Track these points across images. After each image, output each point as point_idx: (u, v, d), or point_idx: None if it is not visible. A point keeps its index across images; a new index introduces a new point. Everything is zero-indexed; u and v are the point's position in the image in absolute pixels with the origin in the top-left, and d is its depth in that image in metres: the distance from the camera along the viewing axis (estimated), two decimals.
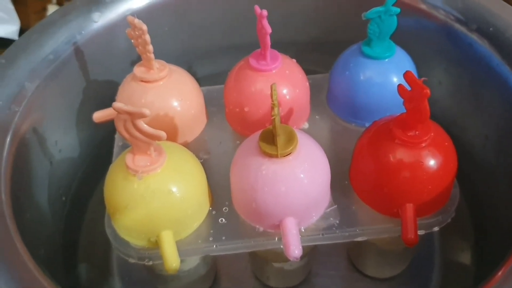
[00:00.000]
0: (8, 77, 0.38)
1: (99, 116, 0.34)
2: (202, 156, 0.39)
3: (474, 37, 0.40)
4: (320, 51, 0.49)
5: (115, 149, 0.39)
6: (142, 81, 0.37)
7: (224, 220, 0.34)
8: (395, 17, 0.36)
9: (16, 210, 0.33)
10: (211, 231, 0.34)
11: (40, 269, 0.30)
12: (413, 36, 0.43)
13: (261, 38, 0.36)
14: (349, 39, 0.40)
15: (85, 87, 0.43)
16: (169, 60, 0.39)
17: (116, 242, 0.33)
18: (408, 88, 0.30)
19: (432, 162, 0.32)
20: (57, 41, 0.41)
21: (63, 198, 0.43)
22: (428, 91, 0.28)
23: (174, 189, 0.32)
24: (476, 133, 0.42)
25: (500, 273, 0.29)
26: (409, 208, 0.32)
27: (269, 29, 0.35)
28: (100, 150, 0.45)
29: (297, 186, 0.31)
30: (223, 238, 0.33)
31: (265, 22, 0.35)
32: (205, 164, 0.36)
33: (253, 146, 0.33)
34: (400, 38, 0.38)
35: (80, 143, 0.45)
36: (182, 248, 0.33)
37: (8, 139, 0.35)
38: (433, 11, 0.42)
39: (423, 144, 0.32)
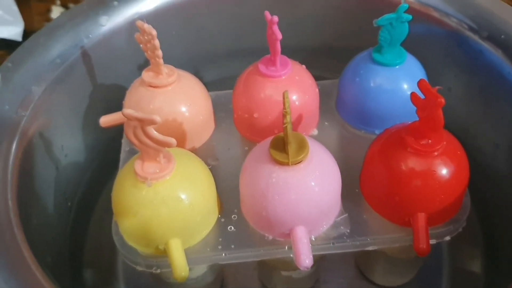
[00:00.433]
0: (15, 81, 0.38)
1: (106, 120, 0.34)
2: (210, 162, 0.39)
3: (485, 44, 0.40)
4: (330, 57, 0.49)
5: (122, 154, 0.39)
6: (150, 86, 0.37)
7: (233, 228, 0.34)
8: (406, 24, 0.36)
9: (23, 217, 0.32)
10: (220, 239, 0.33)
11: (47, 276, 0.30)
12: (423, 42, 0.43)
13: (271, 44, 0.36)
14: (359, 45, 0.40)
15: (92, 91, 0.43)
16: (176, 65, 0.38)
17: (123, 249, 0.33)
18: (421, 96, 0.30)
19: (444, 171, 0.31)
20: (64, 45, 0.41)
21: (69, 203, 0.42)
22: (443, 100, 0.28)
23: (183, 196, 0.31)
24: (487, 141, 0.41)
25: None
26: (421, 218, 0.32)
27: (279, 35, 0.34)
28: (106, 155, 0.45)
29: (308, 195, 0.31)
30: (232, 246, 0.33)
31: (276, 28, 0.34)
32: (213, 171, 0.35)
33: (263, 153, 0.32)
34: (410, 44, 0.38)
35: (86, 148, 0.44)
36: (191, 256, 0.32)
37: (15, 144, 0.35)
38: (445, 18, 0.42)
39: (436, 153, 0.31)
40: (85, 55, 0.42)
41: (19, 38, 0.63)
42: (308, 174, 0.31)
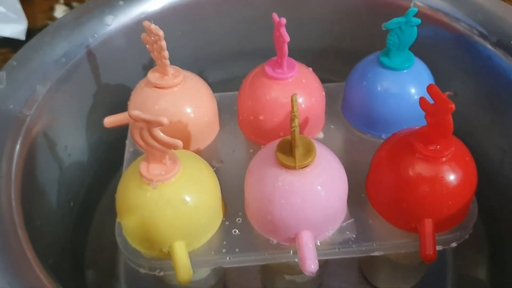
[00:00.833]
0: (20, 80, 0.37)
1: (110, 121, 0.33)
2: (215, 164, 0.38)
3: (494, 50, 0.39)
4: (336, 60, 0.49)
5: (126, 155, 0.39)
6: (156, 87, 0.37)
7: (237, 231, 0.34)
8: (415, 28, 0.35)
9: (26, 218, 0.32)
10: (224, 242, 0.33)
11: (50, 278, 0.29)
12: (431, 47, 0.42)
13: (278, 46, 0.35)
14: (366, 49, 0.40)
15: (96, 91, 0.43)
16: (182, 65, 0.38)
17: (126, 251, 0.33)
18: (431, 100, 0.30)
19: (452, 177, 0.31)
20: (69, 44, 0.40)
21: (71, 204, 0.42)
22: (453, 106, 0.28)
23: (188, 199, 0.31)
24: (494, 147, 0.41)
25: None
26: (428, 224, 0.32)
27: (287, 38, 0.34)
28: (109, 155, 0.45)
29: (314, 199, 0.31)
30: (237, 250, 0.33)
31: (283, 31, 0.34)
32: (218, 173, 0.35)
33: (269, 157, 0.32)
34: (419, 49, 0.37)
35: (89, 148, 0.44)
36: (195, 259, 0.32)
37: (19, 143, 0.35)
38: (454, 23, 0.41)
39: (444, 159, 0.31)
40: (90, 55, 0.41)
41: (22, 36, 0.62)
42: (314, 178, 0.31)
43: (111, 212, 0.33)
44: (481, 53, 0.40)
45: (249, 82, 0.38)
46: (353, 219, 0.34)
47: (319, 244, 0.32)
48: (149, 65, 0.42)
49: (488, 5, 0.41)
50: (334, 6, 0.47)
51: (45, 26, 0.42)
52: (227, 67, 0.50)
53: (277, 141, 0.32)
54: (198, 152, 0.39)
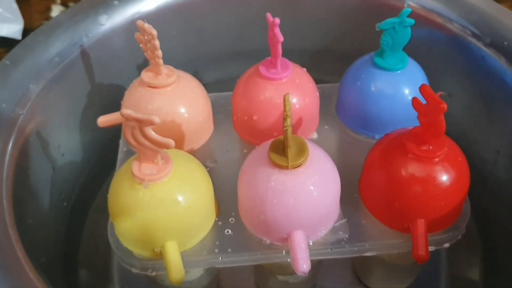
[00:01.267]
0: (13, 79, 0.37)
1: (104, 120, 0.33)
2: (208, 164, 0.38)
3: (488, 50, 0.39)
4: (331, 60, 0.49)
5: (120, 155, 0.38)
6: (149, 86, 0.37)
7: (230, 231, 0.34)
8: (409, 29, 0.35)
9: (17, 217, 0.32)
10: (217, 242, 0.33)
11: (41, 277, 0.29)
12: (425, 47, 0.43)
13: (273, 47, 0.35)
14: (360, 49, 0.40)
15: (90, 91, 0.43)
16: (176, 65, 0.38)
17: (119, 251, 0.33)
18: (423, 101, 0.30)
19: (445, 178, 0.31)
20: (63, 43, 0.40)
21: (65, 204, 0.42)
22: (445, 105, 0.28)
23: (180, 199, 0.31)
24: (487, 148, 0.41)
25: None
26: (421, 224, 0.32)
27: (281, 38, 0.34)
28: (103, 155, 0.45)
29: (307, 199, 0.31)
30: (229, 250, 0.33)
31: (277, 31, 0.34)
32: (211, 173, 0.35)
33: (262, 156, 0.32)
34: (412, 49, 0.37)
35: (83, 148, 0.44)
36: (187, 259, 0.32)
37: (11, 142, 0.35)
38: (448, 24, 0.41)
39: (437, 159, 0.31)
40: (84, 54, 0.41)
41: (18, 36, 0.62)
42: (307, 178, 0.31)
43: (105, 212, 0.33)
44: (475, 54, 0.40)
45: (243, 82, 0.38)
46: (346, 219, 0.34)
47: (311, 244, 0.32)
48: (144, 64, 0.42)
49: (482, 6, 0.41)
50: (329, 6, 0.47)
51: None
52: (222, 67, 0.50)
53: (270, 141, 0.32)
54: (192, 152, 0.39)
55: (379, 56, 0.38)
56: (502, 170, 0.40)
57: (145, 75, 0.37)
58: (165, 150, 0.30)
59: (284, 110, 0.29)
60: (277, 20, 0.33)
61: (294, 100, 0.37)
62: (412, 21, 0.35)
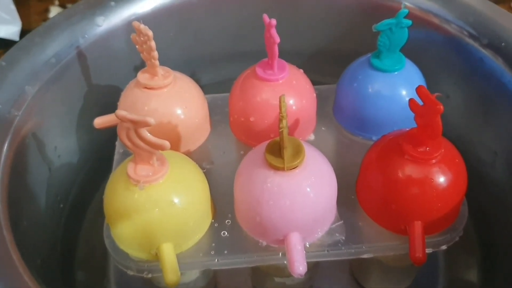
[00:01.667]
0: (8, 80, 0.37)
1: (100, 122, 0.33)
2: (205, 166, 0.38)
3: (486, 52, 0.39)
4: (328, 62, 0.49)
5: (116, 156, 0.38)
6: (146, 87, 0.36)
7: (226, 233, 0.34)
8: (406, 30, 0.35)
9: (12, 218, 0.32)
10: (213, 244, 0.33)
11: (35, 279, 0.29)
12: (423, 49, 0.42)
13: (269, 48, 0.35)
14: (357, 50, 0.40)
15: (86, 92, 0.43)
16: (173, 66, 0.38)
17: (115, 253, 0.32)
18: (420, 102, 0.30)
19: (442, 179, 0.31)
20: (59, 44, 0.40)
21: (61, 205, 0.42)
22: (442, 107, 0.28)
23: (176, 200, 0.31)
24: (485, 150, 0.41)
25: None
26: (418, 226, 0.31)
27: (277, 39, 0.34)
28: (99, 156, 0.44)
29: (303, 201, 0.31)
30: (225, 252, 0.32)
31: (274, 32, 0.34)
32: (208, 174, 0.35)
33: (258, 158, 0.32)
34: (409, 50, 0.37)
35: (79, 149, 0.44)
36: (183, 261, 0.32)
37: (7, 144, 0.34)
38: (445, 25, 0.41)
39: (434, 161, 0.31)
40: (81, 55, 0.41)
41: (16, 37, 0.62)
42: (303, 179, 0.31)
43: (102, 214, 0.33)
44: (472, 55, 0.40)
45: (240, 83, 0.38)
46: (342, 221, 0.33)
47: (308, 246, 0.32)
48: (140, 66, 0.42)
49: (479, 7, 0.41)
50: (326, 8, 0.47)
51: None
52: (219, 69, 0.50)
53: (266, 143, 0.32)
54: (189, 153, 0.39)
55: (376, 57, 0.38)
56: (500, 171, 0.40)
57: (141, 76, 0.37)
58: (160, 151, 0.30)
59: (280, 112, 0.29)
60: (274, 21, 0.33)
61: (291, 101, 0.37)
62: (409, 22, 0.35)
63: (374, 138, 0.38)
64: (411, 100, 0.30)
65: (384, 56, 0.37)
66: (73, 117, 0.42)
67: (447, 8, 0.42)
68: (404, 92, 0.37)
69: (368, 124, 0.38)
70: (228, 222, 0.34)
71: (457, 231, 0.33)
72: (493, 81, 0.39)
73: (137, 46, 0.35)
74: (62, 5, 0.70)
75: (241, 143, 0.40)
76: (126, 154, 0.38)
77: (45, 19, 0.68)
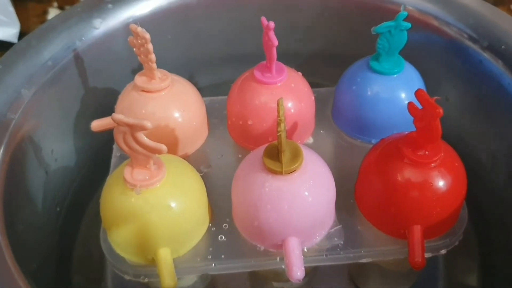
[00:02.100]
0: (5, 83, 0.37)
1: (97, 125, 0.33)
2: (202, 169, 0.38)
3: (485, 54, 0.39)
4: (326, 64, 0.49)
5: (113, 160, 0.38)
6: (143, 90, 0.36)
7: (224, 237, 0.33)
8: (405, 32, 0.35)
9: (8, 222, 0.31)
10: (210, 249, 0.33)
11: (30, 285, 0.29)
12: (422, 51, 0.42)
13: (267, 50, 0.35)
14: (356, 53, 0.39)
15: (83, 95, 0.42)
16: (171, 69, 0.38)
17: (111, 258, 0.32)
18: (419, 106, 0.29)
19: (441, 183, 0.31)
20: (56, 47, 0.40)
21: (58, 209, 0.42)
22: (441, 110, 0.27)
23: (173, 205, 0.30)
24: (485, 153, 0.41)
25: None
26: (417, 230, 0.31)
27: (275, 42, 0.34)
28: (97, 160, 0.44)
29: (302, 205, 0.30)
30: (223, 256, 0.32)
31: (272, 34, 0.34)
32: (205, 178, 0.35)
33: (256, 162, 0.31)
34: (409, 53, 0.37)
35: (76, 152, 0.43)
36: (180, 266, 0.31)
37: (3, 147, 0.34)
38: (444, 27, 0.41)
39: (433, 165, 0.31)
40: (78, 58, 0.41)
41: (15, 39, 0.62)
42: (301, 183, 0.30)
43: (99, 218, 0.33)
44: (472, 58, 0.40)
45: (238, 86, 0.38)
46: (341, 225, 0.33)
47: (306, 250, 0.32)
48: (138, 68, 0.42)
49: (479, 9, 0.41)
50: (325, 10, 0.46)
51: None
52: (216, 71, 0.49)
53: (264, 146, 0.32)
54: (186, 157, 0.39)
55: (375, 60, 0.37)
56: (500, 175, 0.40)
57: (139, 79, 0.36)
58: (158, 155, 0.30)
59: (278, 115, 0.29)
60: (272, 24, 0.33)
61: (289, 104, 0.36)
62: (408, 24, 0.35)
63: (374, 141, 0.38)
64: (410, 104, 0.30)
65: (383, 58, 0.37)
66: (70, 120, 0.42)
67: (446, 11, 0.41)
68: (403, 95, 0.37)
69: (367, 127, 0.38)
70: (225, 226, 0.34)
71: (457, 236, 0.33)
72: (493, 84, 0.39)
73: (134, 49, 0.35)
74: (61, 7, 0.70)
75: (239, 147, 0.39)
76: (123, 158, 0.37)
77: (44, 21, 0.67)
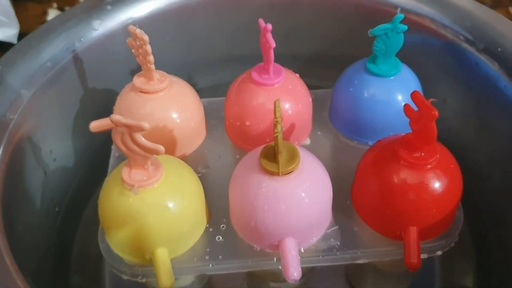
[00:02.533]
0: (4, 84, 0.37)
1: (96, 125, 0.33)
2: (200, 170, 0.38)
3: (482, 57, 0.39)
4: (324, 66, 0.49)
5: (111, 160, 0.38)
6: (141, 91, 0.36)
7: (221, 238, 0.33)
8: (402, 35, 0.35)
9: (7, 222, 0.32)
10: (208, 249, 0.33)
11: (29, 285, 0.29)
12: (419, 54, 0.42)
13: (265, 52, 0.35)
14: (353, 55, 0.40)
15: (82, 96, 0.43)
16: (169, 70, 0.38)
17: (109, 257, 0.32)
18: (415, 108, 0.29)
19: (437, 185, 0.31)
20: (55, 48, 0.40)
21: (56, 209, 0.42)
22: (437, 112, 0.28)
23: (170, 205, 0.31)
24: (481, 155, 0.41)
25: None
26: (413, 232, 0.31)
27: (273, 43, 0.34)
28: (95, 160, 0.44)
29: (298, 206, 0.31)
30: (220, 257, 0.32)
31: (269, 36, 0.34)
32: (203, 179, 0.35)
33: (253, 163, 0.32)
34: (405, 55, 0.37)
35: (75, 153, 0.44)
36: (177, 266, 0.32)
37: (2, 147, 0.34)
38: (441, 30, 0.41)
39: (429, 166, 0.31)
40: (77, 59, 0.41)
41: (14, 40, 0.62)
42: (298, 184, 0.31)
43: (98, 218, 0.33)
44: (469, 60, 0.40)
45: (236, 87, 0.38)
46: (337, 226, 0.33)
47: (303, 251, 0.32)
48: (136, 69, 0.42)
49: (476, 12, 0.41)
50: (322, 12, 0.47)
51: None
52: (214, 73, 0.50)
53: (261, 147, 0.32)
54: (184, 157, 0.39)
55: (372, 62, 0.38)
56: (496, 176, 0.40)
57: (137, 80, 0.37)
58: (155, 156, 0.30)
59: (275, 116, 0.29)
60: (269, 26, 0.33)
61: (286, 106, 0.37)
62: (405, 27, 0.35)
63: (371, 143, 0.38)
64: (406, 106, 0.30)
65: (380, 61, 0.37)
66: (69, 121, 0.42)
67: (443, 13, 0.42)
68: (400, 97, 0.37)
69: (364, 128, 0.38)
70: (223, 227, 0.34)
71: (453, 237, 0.33)
72: (489, 86, 0.39)
73: (133, 50, 0.35)
74: (60, 8, 0.70)
75: (236, 148, 0.39)
76: (121, 158, 0.37)
77: (43, 21, 0.68)
